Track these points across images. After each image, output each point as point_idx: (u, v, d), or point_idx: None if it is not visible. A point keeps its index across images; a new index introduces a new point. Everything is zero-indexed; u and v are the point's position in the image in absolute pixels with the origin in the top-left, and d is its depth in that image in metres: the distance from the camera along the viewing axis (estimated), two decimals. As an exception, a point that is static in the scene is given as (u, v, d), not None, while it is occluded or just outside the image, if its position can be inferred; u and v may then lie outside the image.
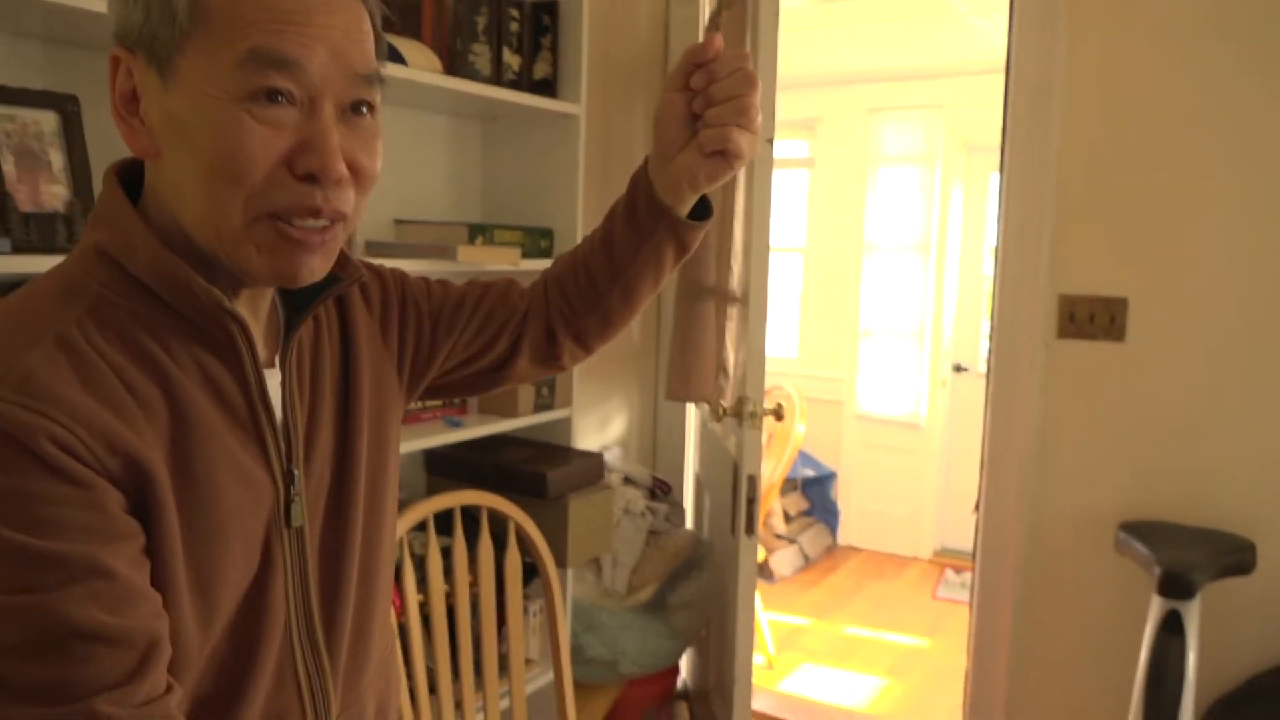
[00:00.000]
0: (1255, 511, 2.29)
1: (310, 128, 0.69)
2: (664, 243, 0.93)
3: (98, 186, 1.49)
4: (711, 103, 0.82)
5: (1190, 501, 2.37)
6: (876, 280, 4.84)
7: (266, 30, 0.67)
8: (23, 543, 0.61)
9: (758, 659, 3.56)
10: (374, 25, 0.75)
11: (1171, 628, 2.08)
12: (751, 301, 2.14)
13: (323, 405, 0.84)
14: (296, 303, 0.84)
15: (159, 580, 0.69)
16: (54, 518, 0.62)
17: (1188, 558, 2.12)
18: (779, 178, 5.07)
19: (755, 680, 3.36)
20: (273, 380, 0.80)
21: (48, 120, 1.45)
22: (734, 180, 2.30)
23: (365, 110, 0.73)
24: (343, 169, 0.71)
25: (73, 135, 1.47)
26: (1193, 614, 2.07)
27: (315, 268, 0.74)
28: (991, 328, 2.59)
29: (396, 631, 1.09)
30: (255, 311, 0.80)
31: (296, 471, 0.80)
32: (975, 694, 2.73)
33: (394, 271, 1.00)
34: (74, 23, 1.40)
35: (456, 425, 2.00)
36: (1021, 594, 2.60)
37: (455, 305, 1.00)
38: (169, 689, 0.67)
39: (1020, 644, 2.62)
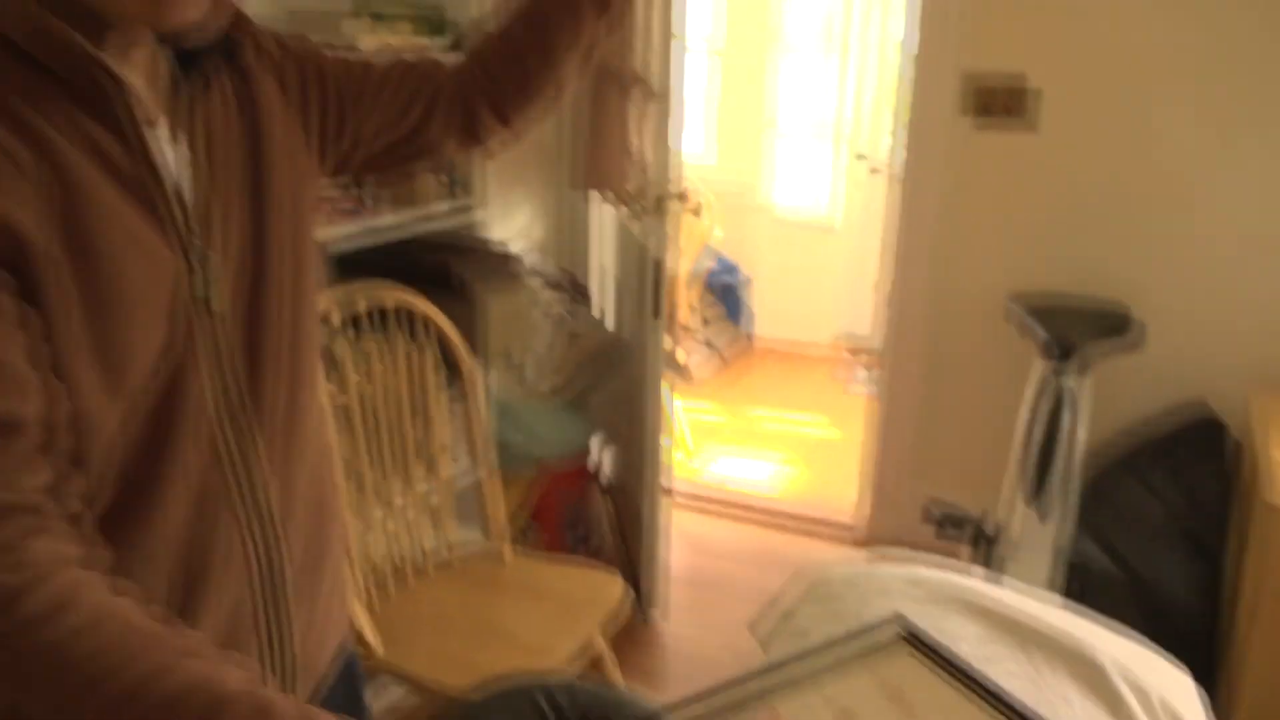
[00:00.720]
0: (1133, 282, 2.41)
1: None
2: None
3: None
4: None
5: (1076, 276, 2.48)
6: (790, 79, 4.77)
7: None
8: None
9: (678, 454, 3.71)
10: None
11: (1053, 390, 2.21)
12: (666, 89, 2.09)
13: (231, 182, 0.80)
14: (187, 63, 0.78)
15: (58, 354, 0.66)
16: None
17: (1070, 324, 2.24)
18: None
19: (676, 471, 3.51)
20: (162, 140, 0.75)
21: None
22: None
23: None
24: None
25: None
26: (1073, 376, 2.20)
27: (184, 7, 0.69)
28: (898, 119, 2.59)
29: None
30: (131, 63, 0.74)
31: (212, 255, 0.77)
32: (879, 470, 2.90)
33: (300, 41, 0.93)
34: None
35: (359, 216, 1.94)
36: (923, 367, 2.73)
37: (377, 78, 0.95)
38: (61, 477, 0.66)
39: (920, 412, 2.77)
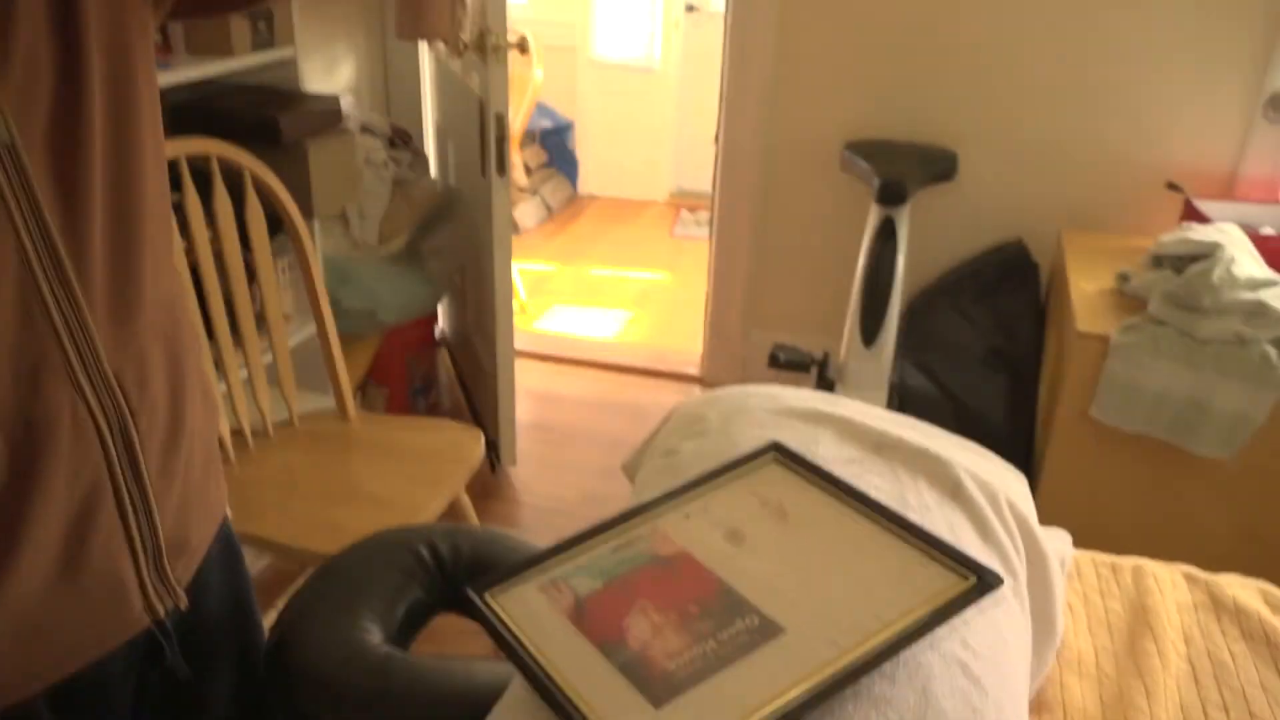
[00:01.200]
0: (958, 126, 2.52)
1: None
2: None
3: None
4: None
5: (904, 120, 2.57)
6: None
7: None
8: None
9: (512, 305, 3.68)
10: None
11: (886, 233, 2.32)
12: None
13: (24, 3, 0.68)
14: None
15: None
16: None
17: (901, 169, 2.33)
18: None
19: (517, 324, 3.50)
20: None
21: None
22: None
23: None
24: None
25: None
26: (904, 219, 2.31)
27: None
28: (729, -50, 2.54)
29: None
30: None
31: None
32: (715, 312, 2.98)
33: None
34: None
35: (164, 68, 1.76)
36: (757, 214, 2.79)
37: None
38: None
39: (757, 259, 2.85)
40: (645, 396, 3.02)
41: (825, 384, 2.44)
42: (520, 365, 3.20)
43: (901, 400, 2.39)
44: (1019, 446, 2.28)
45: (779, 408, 1.00)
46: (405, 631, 1.06)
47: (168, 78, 1.75)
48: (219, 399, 1.75)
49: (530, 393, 3.06)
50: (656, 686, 0.66)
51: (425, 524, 1.17)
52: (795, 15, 2.56)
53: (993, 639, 0.77)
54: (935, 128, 2.54)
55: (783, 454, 0.90)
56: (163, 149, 0.83)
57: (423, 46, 2.75)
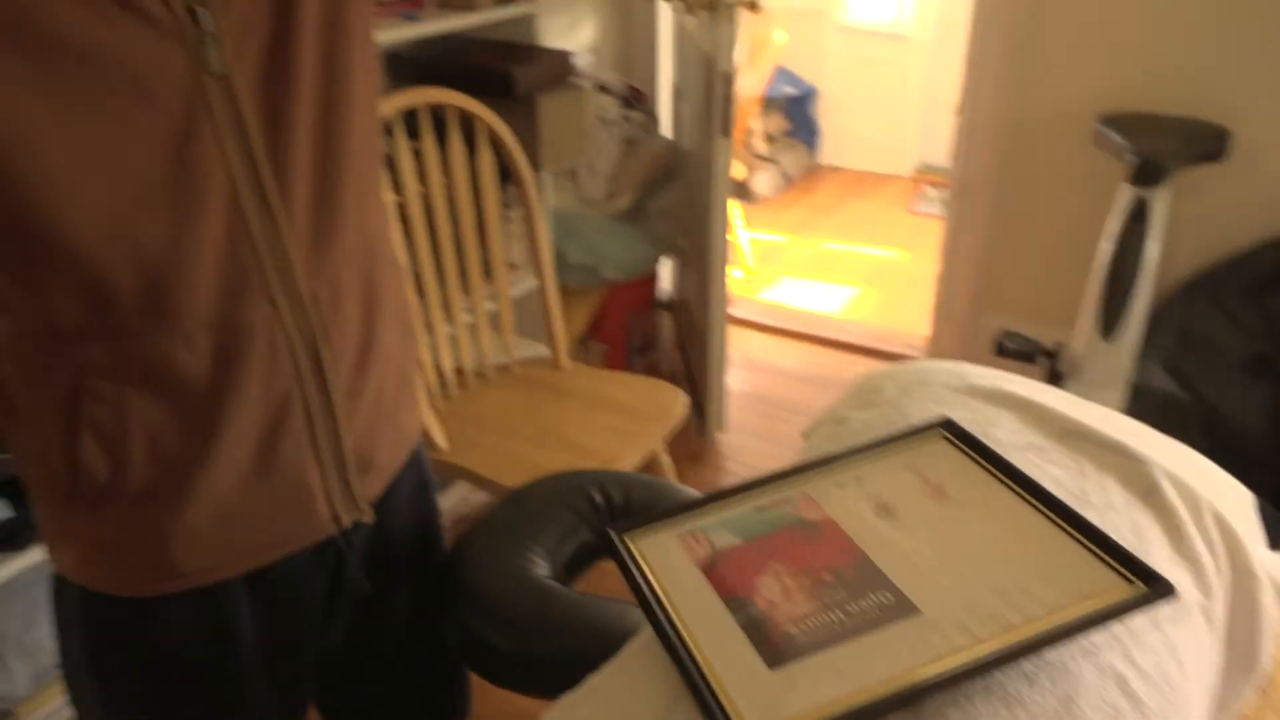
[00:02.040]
0: (1233, 98, 2.25)
1: None
2: None
3: None
4: None
5: (1169, 91, 2.32)
6: None
7: None
8: None
9: (738, 273, 3.68)
10: None
11: (1137, 216, 2.12)
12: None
13: None
14: None
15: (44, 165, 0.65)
16: None
17: (1161, 145, 2.12)
18: None
19: (736, 291, 3.50)
20: None
21: None
22: None
23: None
24: None
25: None
26: (1160, 202, 2.10)
27: None
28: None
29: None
30: None
31: (200, 10, 0.72)
32: (945, 292, 2.85)
33: None
34: None
35: (413, 19, 1.89)
36: (995, 196, 2.63)
37: None
38: None
39: (993, 243, 2.69)
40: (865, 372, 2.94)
41: (1055, 378, 2.27)
42: (741, 334, 3.20)
43: (1141, 403, 2.19)
44: (1275, 456, 2.04)
45: (961, 384, 0.95)
46: (571, 569, 1.10)
47: (415, 29, 1.87)
48: (444, 338, 1.88)
49: (749, 361, 3.05)
50: (775, 647, 0.65)
51: (604, 470, 1.20)
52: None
53: (1164, 658, 0.70)
54: (1205, 100, 2.28)
55: (952, 431, 0.84)
56: (375, 91, 0.88)
57: (662, 6, 2.77)
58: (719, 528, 0.77)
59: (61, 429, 0.76)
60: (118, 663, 0.88)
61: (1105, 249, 2.16)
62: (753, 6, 2.13)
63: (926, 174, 4.76)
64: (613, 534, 0.77)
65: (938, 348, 2.91)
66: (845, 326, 3.26)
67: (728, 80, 2.15)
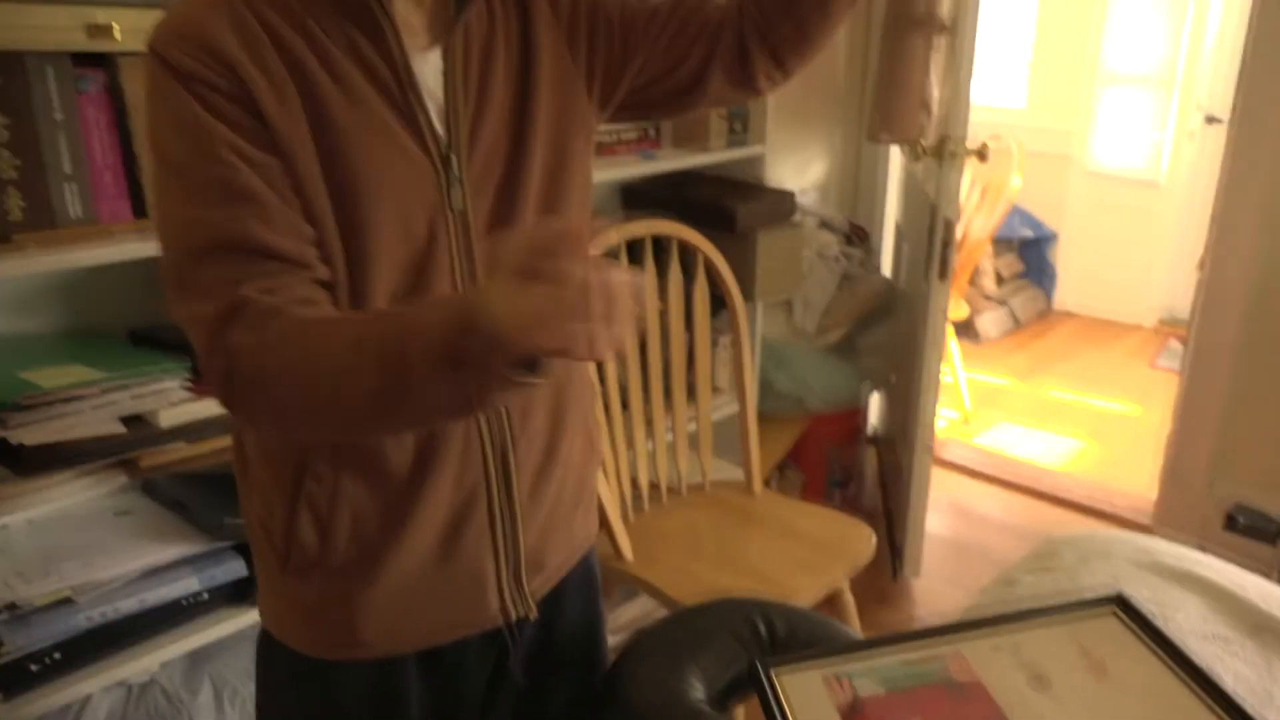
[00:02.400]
0: None
1: None
2: None
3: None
4: None
5: None
6: (1122, 20, 4.33)
7: None
8: (196, 167, 0.74)
9: (953, 414, 3.58)
10: None
11: None
12: (960, 31, 2.00)
13: (491, 96, 0.88)
14: None
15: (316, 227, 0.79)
16: (213, 148, 0.75)
17: None
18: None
19: (950, 433, 3.41)
20: (428, 64, 0.85)
21: None
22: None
23: None
24: None
25: None
26: None
27: None
28: (1242, 62, 2.30)
29: None
30: (419, 3, 0.84)
31: (454, 156, 0.85)
32: (1176, 456, 2.66)
33: None
34: None
35: (650, 157, 2.04)
36: (1239, 356, 2.46)
37: (648, 17, 0.97)
38: (310, 298, 0.78)
39: (1232, 407, 2.50)
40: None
41: (1297, 562, 2.06)
42: (949, 477, 3.11)
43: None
44: None
45: (1147, 560, 0.90)
46: (726, 695, 1.11)
47: (652, 166, 2.03)
48: (644, 454, 1.96)
49: (954, 506, 2.95)
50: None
51: (775, 601, 1.22)
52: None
53: None
54: None
55: (1126, 609, 0.81)
56: (586, 214, 0.99)
57: (892, 149, 2.83)
58: (866, 675, 0.78)
59: (285, 502, 0.88)
60: (297, 712, 0.98)
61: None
62: (981, 156, 2.15)
63: (1172, 326, 4.48)
64: (759, 666, 0.80)
65: (1163, 514, 2.70)
66: (1062, 480, 3.09)
67: (948, 225, 2.16)
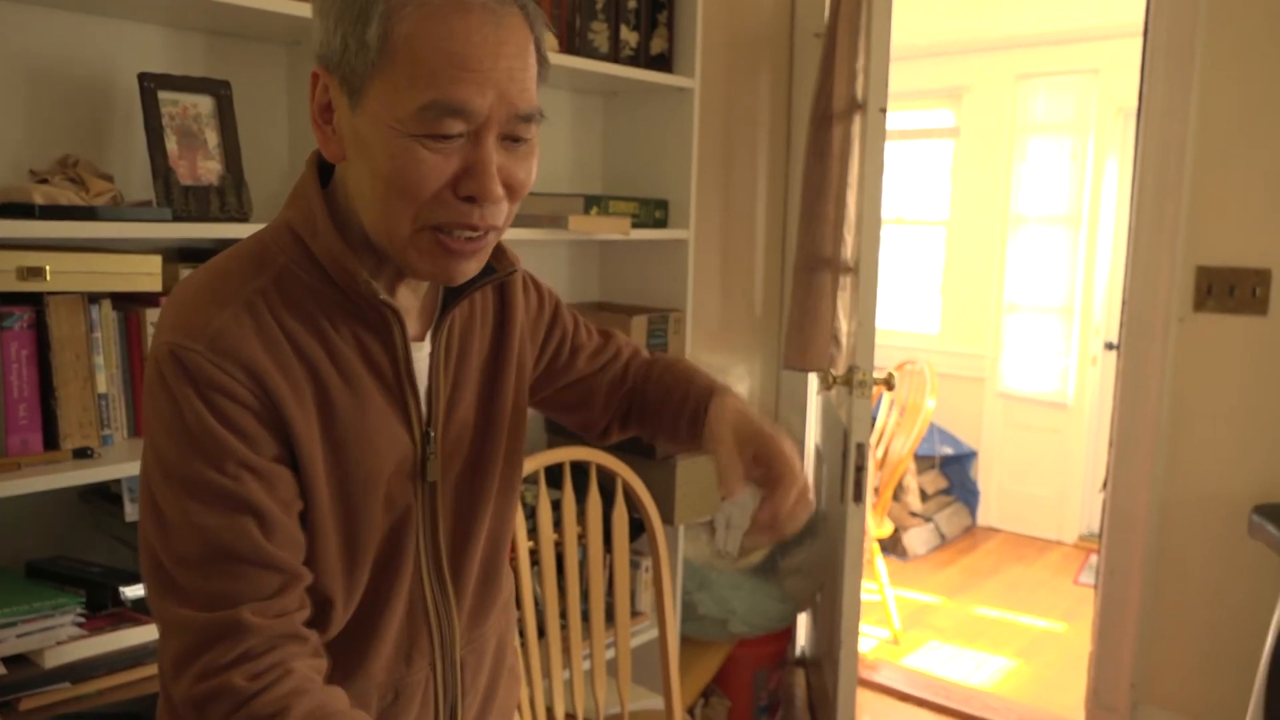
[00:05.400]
0: None
1: (475, 156, 0.79)
2: (691, 444, 1.08)
3: (248, 164, 1.67)
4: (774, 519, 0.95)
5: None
6: (1023, 254, 4.69)
7: (445, 80, 0.75)
8: (201, 475, 0.76)
9: (883, 633, 3.57)
10: (539, 50, 0.83)
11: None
12: (862, 271, 2.15)
13: (467, 377, 0.95)
14: (454, 288, 0.92)
15: (311, 525, 0.83)
16: (222, 459, 0.76)
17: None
18: (920, 149, 4.97)
19: (879, 654, 3.37)
20: (421, 352, 0.91)
21: (204, 104, 1.63)
22: (844, 150, 2.31)
23: (527, 139, 0.84)
24: (499, 191, 0.80)
25: (226, 117, 1.65)
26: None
27: (468, 271, 0.85)
28: (1123, 300, 2.50)
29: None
30: (415, 292, 0.91)
31: (432, 433, 0.91)
32: (1098, 677, 2.66)
33: (552, 292, 1.12)
34: (230, 16, 1.57)
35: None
36: (1149, 576, 2.52)
37: (590, 364, 1.13)
38: (301, 607, 0.80)
39: (1147, 628, 2.54)
40: (1011, 761, 2.71)
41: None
42: (878, 701, 3.06)
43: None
44: None
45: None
46: None
47: (571, 396, 2.09)
48: (560, 684, 1.91)
49: (884, 731, 2.88)
50: None
51: None
52: (1197, 354, 2.40)
53: None
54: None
55: None
56: (522, 472, 1.07)
57: (810, 378, 2.96)
58: None
59: None
60: None
61: (1268, 648, 2.01)
62: (889, 385, 2.26)
63: (1091, 542, 4.58)
64: None
65: (1094, 739, 2.67)
66: (992, 703, 3.05)
67: (860, 450, 2.24)
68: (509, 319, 1.00)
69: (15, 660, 1.27)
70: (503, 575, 1.03)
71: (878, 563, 3.57)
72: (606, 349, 1.16)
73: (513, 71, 0.78)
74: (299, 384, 0.81)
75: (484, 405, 0.97)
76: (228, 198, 1.62)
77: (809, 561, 2.64)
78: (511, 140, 0.81)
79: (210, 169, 1.63)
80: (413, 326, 0.90)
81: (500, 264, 0.94)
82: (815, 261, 2.55)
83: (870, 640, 3.53)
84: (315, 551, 0.83)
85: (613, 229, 2.06)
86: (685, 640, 2.51)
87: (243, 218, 1.61)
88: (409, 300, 0.90)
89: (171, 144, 1.57)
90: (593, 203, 2.11)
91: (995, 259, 4.76)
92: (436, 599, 0.93)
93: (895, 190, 4.96)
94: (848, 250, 2.35)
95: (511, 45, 0.78)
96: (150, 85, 1.54)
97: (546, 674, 1.91)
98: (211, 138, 1.63)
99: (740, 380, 2.90)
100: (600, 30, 2.12)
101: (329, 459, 0.83)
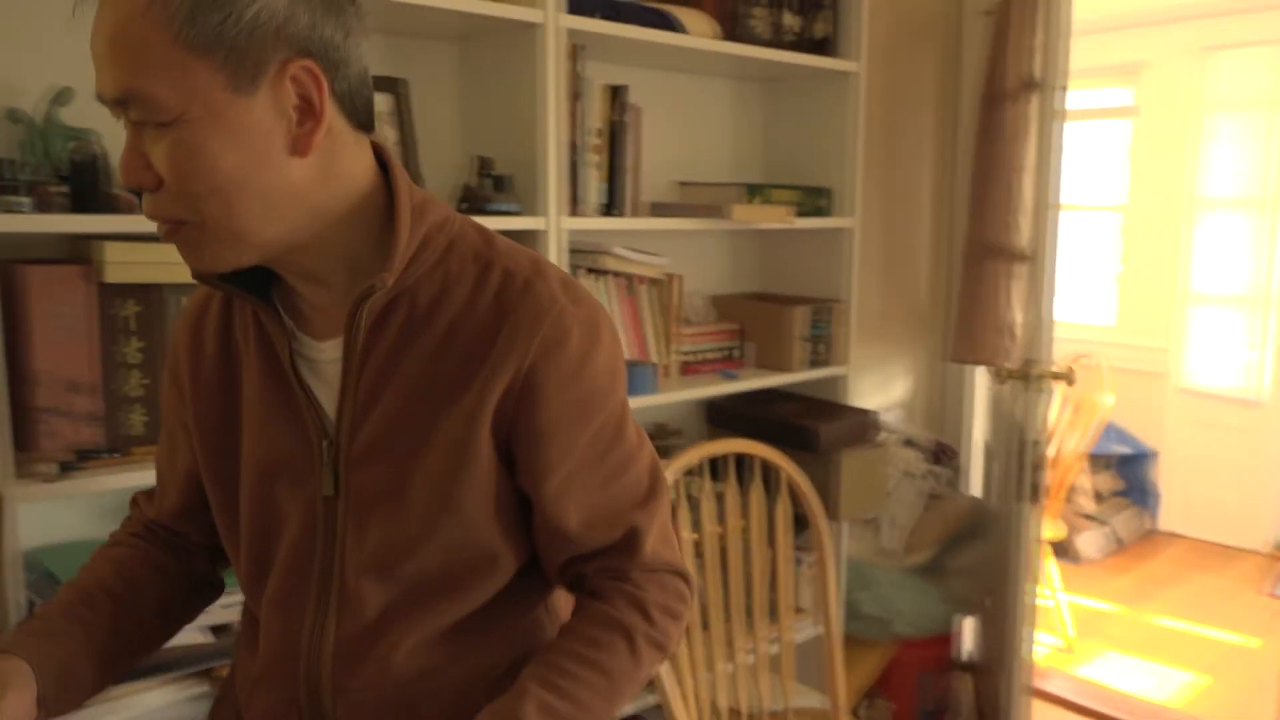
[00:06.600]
0: None
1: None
2: None
3: (425, 158, 1.73)
4: None
5: None
6: (1209, 240, 4.36)
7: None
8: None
9: (1055, 641, 3.39)
10: (173, 36, 0.72)
11: None
12: (1040, 259, 2.05)
13: (389, 392, 0.86)
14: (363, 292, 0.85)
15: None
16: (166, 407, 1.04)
17: None
18: (1094, 130, 4.70)
19: (1051, 663, 3.21)
20: (321, 354, 0.88)
21: (384, 101, 1.69)
22: (1016, 131, 2.20)
23: (153, 123, 0.74)
24: (132, 179, 0.76)
25: (404, 114, 1.70)
26: None
27: (190, 261, 0.81)
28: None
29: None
30: (326, 289, 0.87)
31: (325, 441, 0.88)
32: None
33: (564, 405, 0.88)
34: (404, 15, 1.62)
35: (731, 377, 2.09)
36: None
37: (548, 491, 0.90)
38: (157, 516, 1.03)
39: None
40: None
41: None
42: (1051, 712, 2.91)
43: None
44: None
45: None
46: None
47: (731, 386, 2.07)
48: (723, 676, 1.90)
49: (1057, 743, 2.74)
50: None
51: None
52: None
53: None
54: None
55: None
56: (482, 518, 0.93)
57: (978, 371, 2.84)
58: None
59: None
60: None
61: None
62: (1069, 382, 2.14)
63: (1289, 553, 4.23)
64: None
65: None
66: (1176, 717, 2.85)
67: (1036, 448, 2.14)
68: (490, 347, 0.85)
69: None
70: (403, 627, 0.89)
71: (1050, 566, 3.40)
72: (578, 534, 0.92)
73: (102, 54, 0.74)
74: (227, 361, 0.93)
75: (405, 431, 0.86)
76: (404, 193, 1.67)
77: (977, 562, 2.54)
78: (138, 125, 0.75)
79: (387, 166, 1.68)
80: (320, 324, 0.88)
81: (379, 279, 0.83)
82: (985, 249, 2.43)
83: (1041, 648, 3.36)
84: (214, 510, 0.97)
85: (775, 218, 2.03)
86: (846, 640, 2.45)
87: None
88: (317, 297, 0.87)
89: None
90: (754, 191, 2.08)
91: (1178, 246, 4.45)
92: (313, 631, 0.89)
93: (1066, 173, 4.70)
94: (1021, 237, 2.24)
95: (108, 24, 0.73)
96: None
97: (710, 667, 1.90)
98: (389, 134, 1.69)
99: (904, 375, 2.80)
100: (761, 16, 2.08)
101: (222, 436, 0.93)
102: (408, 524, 0.87)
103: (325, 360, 0.88)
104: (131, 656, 0.96)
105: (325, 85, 0.78)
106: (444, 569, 0.89)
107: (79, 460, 1.28)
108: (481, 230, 0.92)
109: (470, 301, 0.86)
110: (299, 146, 0.78)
